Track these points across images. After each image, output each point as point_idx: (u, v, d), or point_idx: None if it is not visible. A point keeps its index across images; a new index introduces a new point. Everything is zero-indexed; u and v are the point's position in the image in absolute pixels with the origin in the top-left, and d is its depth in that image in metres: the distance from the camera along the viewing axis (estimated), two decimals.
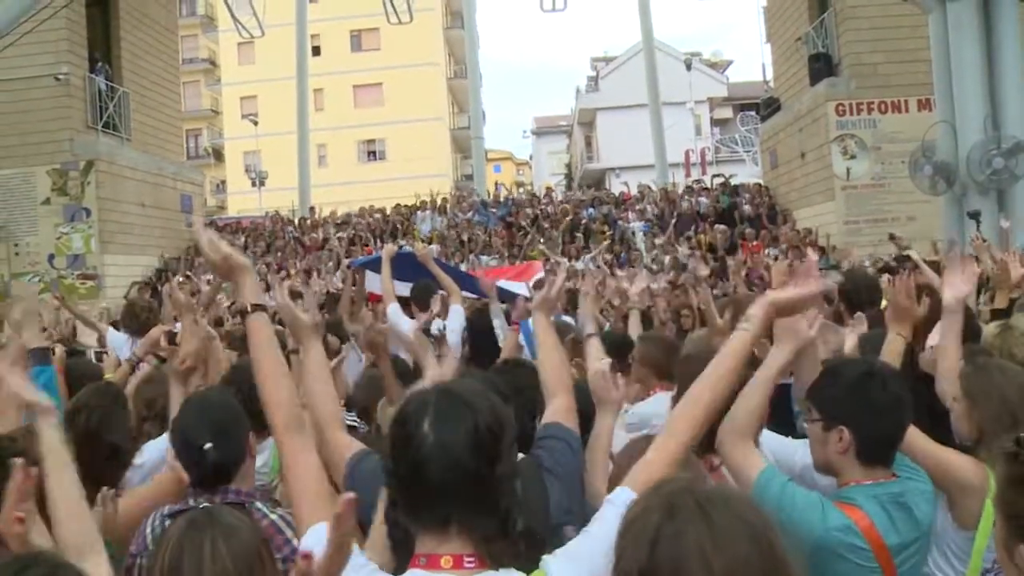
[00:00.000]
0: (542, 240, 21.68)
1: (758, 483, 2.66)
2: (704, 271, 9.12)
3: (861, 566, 2.56)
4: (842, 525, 2.57)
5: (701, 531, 1.50)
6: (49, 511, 2.44)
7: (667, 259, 19.07)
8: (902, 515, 2.63)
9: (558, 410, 2.73)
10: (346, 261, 15.40)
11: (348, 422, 4.65)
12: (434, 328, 6.58)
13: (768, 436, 3.33)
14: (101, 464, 3.46)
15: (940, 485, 2.93)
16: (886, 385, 2.74)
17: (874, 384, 2.73)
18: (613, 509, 2.08)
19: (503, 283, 8.12)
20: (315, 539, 1.98)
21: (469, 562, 1.88)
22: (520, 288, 8.20)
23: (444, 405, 1.93)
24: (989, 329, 5.12)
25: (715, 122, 51.46)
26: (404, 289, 7.92)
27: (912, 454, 2.93)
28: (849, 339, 4.21)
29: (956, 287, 3.61)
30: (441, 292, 7.13)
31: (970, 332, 4.69)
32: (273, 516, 2.91)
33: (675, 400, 3.53)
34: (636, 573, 1.54)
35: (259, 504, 2.98)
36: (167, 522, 2.71)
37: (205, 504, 2.58)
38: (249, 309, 2.44)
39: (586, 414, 3.16)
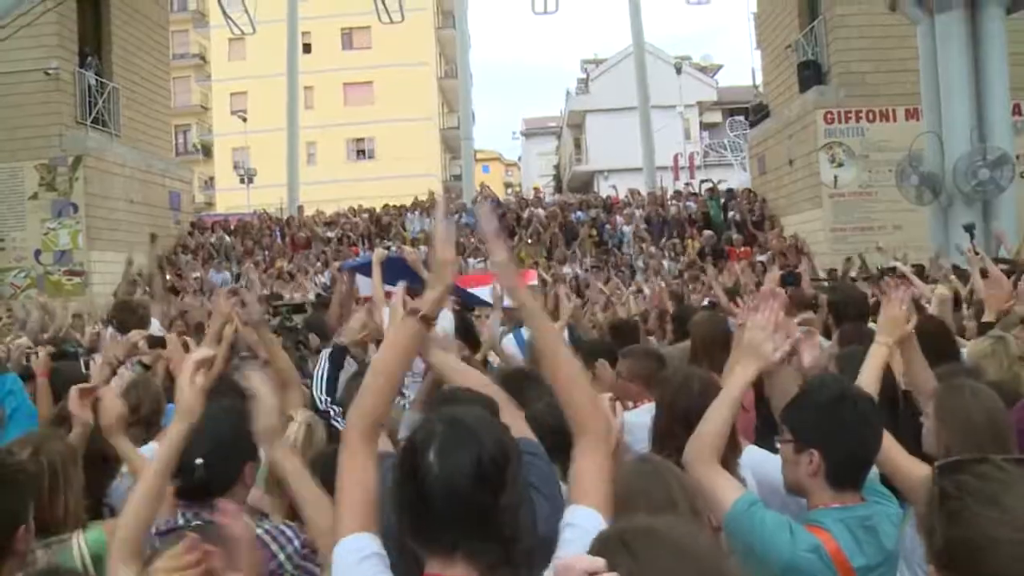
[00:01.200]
0: (530, 242, 21.71)
1: (733, 509, 2.70)
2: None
3: None
4: (811, 546, 2.60)
5: (625, 571, 1.48)
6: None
7: (652, 263, 19.17)
8: (869, 538, 2.66)
9: (513, 424, 2.58)
10: (335, 264, 15.37)
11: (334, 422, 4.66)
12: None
13: (752, 451, 3.36)
14: (89, 473, 3.46)
15: (910, 499, 2.96)
16: (858, 409, 2.77)
17: (846, 408, 2.75)
18: (573, 532, 2.09)
19: (476, 290, 8.07)
20: (345, 550, 2.08)
21: None
22: (485, 294, 8.11)
23: (450, 435, 1.97)
24: (978, 344, 5.16)
25: (704, 126, 51.51)
26: (392, 291, 7.86)
27: (885, 466, 2.97)
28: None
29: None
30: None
31: (948, 349, 4.76)
32: (259, 531, 2.90)
33: (656, 417, 3.60)
34: None
35: (246, 519, 2.98)
36: (157, 541, 2.72)
37: (198, 523, 2.58)
38: (420, 315, 2.45)
39: (560, 429, 3.14)
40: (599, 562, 1.40)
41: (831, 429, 2.72)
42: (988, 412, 3.24)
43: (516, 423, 2.65)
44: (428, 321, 2.48)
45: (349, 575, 2.07)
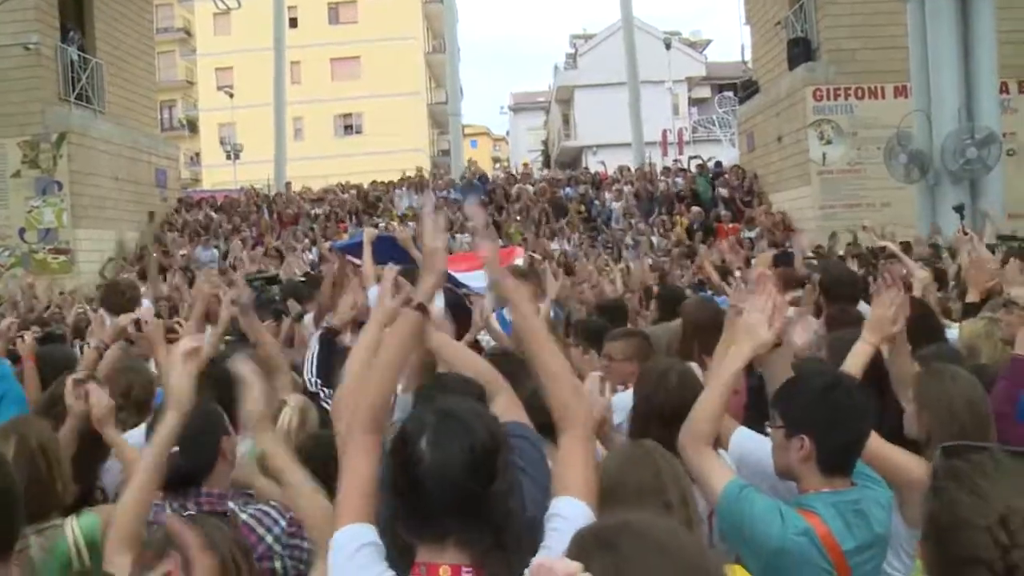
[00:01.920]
0: (518, 218, 21.69)
1: (724, 493, 2.76)
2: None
3: (818, 570, 2.64)
4: (801, 530, 2.64)
5: (608, 564, 1.52)
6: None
7: (642, 240, 19.19)
8: (859, 522, 2.70)
9: (508, 408, 2.69)
10: (326, 244, 15.30)
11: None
12: None
13: (744, 434, 3.37)
14: (79, 456, 3.48)
15: (890, 483, 2.99)
16: (851, 397, 2.80)
17: (838, 395, 2.79)
18: (562, 523, 2.13)
19: (465, 275, 8.05)
20: (342, 541, 2.13)
21: (467, 572, 1.99)
22: (477, 280, 8.11)
23: (442, 426, 2.02)
24: (972, 325, 5.19)
25: (693, 102, 51.46)
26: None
27: (865, 452, 2.98)
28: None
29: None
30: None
31: (931, 330, 4.80)
32: (244, 515, 2.94)
33: (634, 409, 3.61)
34: None
35: (232, 504, 3.00)
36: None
37: (189, 513, 2.62)
38: (415, 305, 2.50)
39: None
40: (574, 566, 1.42)
41: (823, 416, 2.75)
42: (968, 397, 3.31)
43: (513, 407, 2.72)
44: (425, 311, 2.52)
45: (345, 564, 2.11)
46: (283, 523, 2.92)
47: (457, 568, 1.99)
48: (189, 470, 2.90)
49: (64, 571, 3.09)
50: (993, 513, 1.66)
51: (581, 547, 1.60)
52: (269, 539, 2.87)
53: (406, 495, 2.01)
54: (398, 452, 2.05)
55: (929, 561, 1.81)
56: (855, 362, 3.50)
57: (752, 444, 3.30)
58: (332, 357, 5.78)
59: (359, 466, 2.26)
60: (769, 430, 2.97)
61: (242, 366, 2.82)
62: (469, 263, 8.62)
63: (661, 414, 3.36)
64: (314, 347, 5.63)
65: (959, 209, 13.94)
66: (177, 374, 2.74)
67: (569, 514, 2.15)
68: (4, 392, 4.45)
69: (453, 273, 8.78)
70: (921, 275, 6.82)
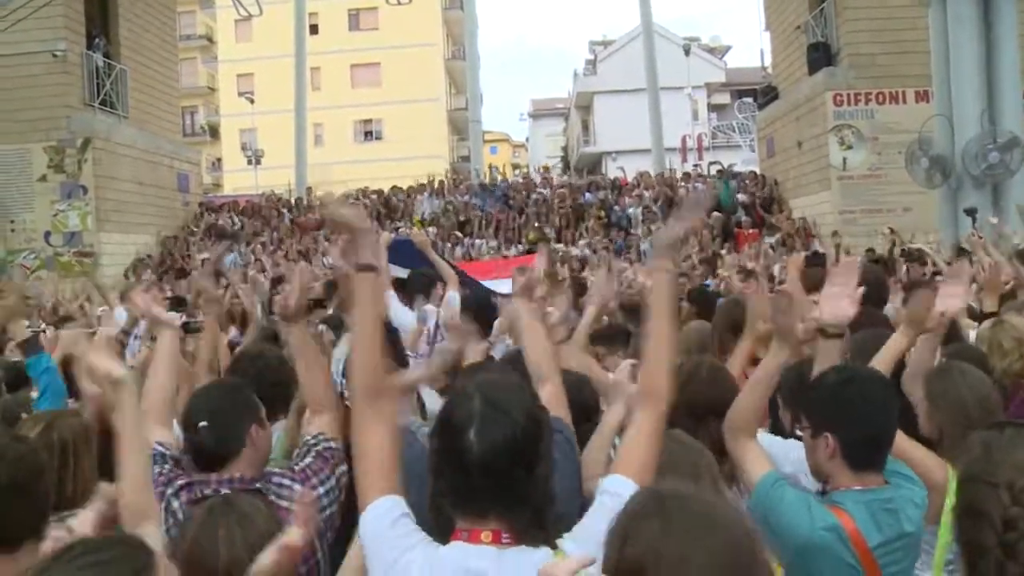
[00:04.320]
0: (538, 224, 21.73)
1: (759, 485, 2.80)
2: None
3: (844, 565, 2.65)
4: (829, 525, 2.65)
5: (655, 529, 1.63)
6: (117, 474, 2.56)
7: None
8: (889, 519, 2.70)
9: (549, 400, 2.72)
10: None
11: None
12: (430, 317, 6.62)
13: (760, 436, 3.34)
14: (109, 446, 3.55)
15: None
16: (865, 390, 2.81)
17: (853, 390, 2.80)
18: (610, 499, 2.19)
19: (489, 283, 8.09)
20: (375, 514, 2.18)
21: (506, 538, 2.08)
22: (503, 287, 8.19)
23: (488, 414, 2.09)
24: (984, 326, 5.18)
25: (712, 108, 51.31)
26: (399, 272, 7.88)
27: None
28: None
29: (950, 303, 3.64)
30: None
31: (951, 331, 4.78)
32: (270, 496, 2.94)
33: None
34: (613, 567, 1.67)
35: (258, 485, 2.97)
36: (181, 495, 2.84)
37: (226, 491, 2.65)
38: (360, 266, 2.47)
39: (583, 405, 3.27)
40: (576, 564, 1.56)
41: (841, 412, 2.77)
42: (978, 392, 3.36)
43: (556, 398, 2.84)
44: (372, 269, 2.48)
45: (383, 537, 2.16)
46: (297, 486, 2.94)
47: (498, 532, 2.08)
48: (216, 447, 2.93)
49: None
50: (1003, 475, 1.90)
51: (631, 509, 1.71)
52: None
53: (452, 480, 2.10)
54: (445, 440, 2.12)
55: (954, 510, 2.06)
56: (887, 355, 3.49)
57: (768, 444, 3.30)
58: None
59: (373, 438, 2.28)
60: (799, 432, 3.00)
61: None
62: (497, 271, 8.65)
63: (691, 407, 3.36)
64: (343, 346, 5.61)
65: (971, 212, 13.87)
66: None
67: (619, 492, 2.18)
68: (46, 385, 4.53)
69: (481, 280, 8.83)
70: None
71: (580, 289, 8.36)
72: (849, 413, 2.76)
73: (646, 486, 2.15)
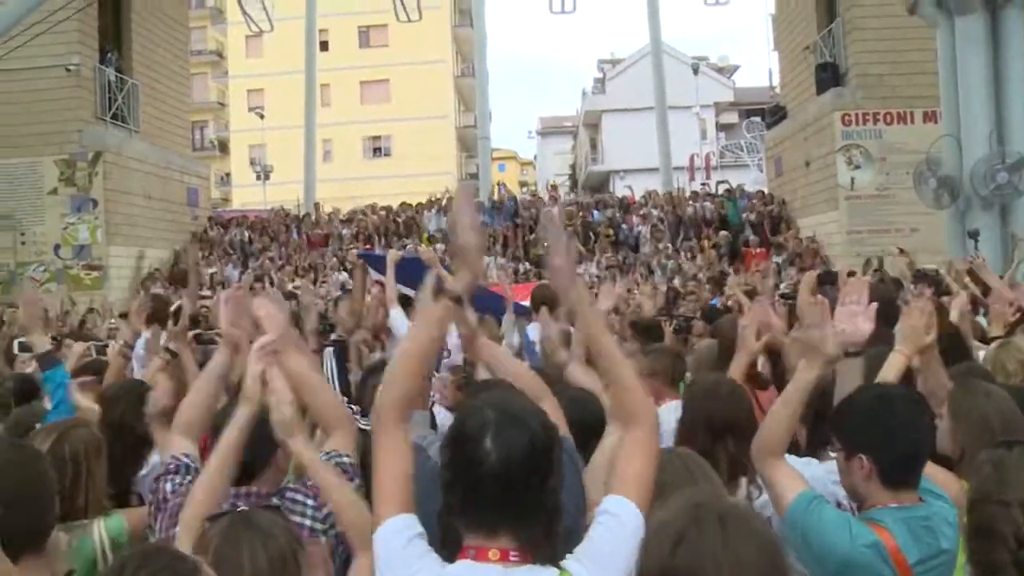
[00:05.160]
0: (546, 243, 21.67)
1: (794, 504, 2.77)
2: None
3: None
4: (870, 542, 2.64)
5: (717, 539, 1.68)
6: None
7: (670, 264, 19.17)
8: (928, 537, 2.69)
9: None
10: (354, 251, 15.37)
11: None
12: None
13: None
14: (127, 452, 3.75)
15: None
16: (896, 409, 2.80)
17: (884, 410, 2.79)
18: (611, 519, 2.19)
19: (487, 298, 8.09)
20: (390, 533, 2.18)
21: (514, 556, 2.07)
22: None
23: (503, 424, 2.09)
24: (991, 347, 5.19)
25: (720, 127, 51.36)
26: (407, 291, 7.88)
27: None
28: None
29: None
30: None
31: (959, 351, 4.78)
32: (308, 522, 2.97)
33: (682, 417, 3.66)
34: (658, 570, 1.71)
35: (289, 499, 3.00)
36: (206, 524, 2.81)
37: (243, 508, 2.65)
38: (450, 294, 2.50)
39: (585, 423, 3.25)
40: None
41: (874, 432, 2.77)
42: (1002, 412, 3.32)
43: (553, 416, 2.66)
44: (459, 301, 2.51)
45: (399, 554, 2.16)
46: (310, 501, 2.97)
47: (506, 551, 2.07)
48: (249, 463, 2.94)
49: (90, 571, 3.16)
50: (1014, 494, 1.91)
51: (676, 518, 1.76)
52: (308, 522, 2.92)
53: (465, 491, 2.08)
54: (459, 450, 2.11)
55: (966, 530, 2.05)
56: (890, 372, 3.49)
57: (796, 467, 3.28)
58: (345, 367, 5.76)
59: (394, 458, 2.29)
60: (832, 454, 3.00)
61: (271, 373, 2.85)
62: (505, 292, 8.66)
63: (710, 424, 3.43)
64: (330, 363, 5.60)
65: (974, 235, 13.81)
66: (249, 371, 2.82)
67: (618, 512, 2.20)
68: (60, 400, 4.56)
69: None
70: (959, 301, 6.77)
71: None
72: (884, 434, 2.76)
73: (643, 519, 2.17)
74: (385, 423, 2.35)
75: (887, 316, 5.69)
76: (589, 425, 3.20)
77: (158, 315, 7.37)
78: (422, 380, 2.48)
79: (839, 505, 3.05)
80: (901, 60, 19.66)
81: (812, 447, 3.60)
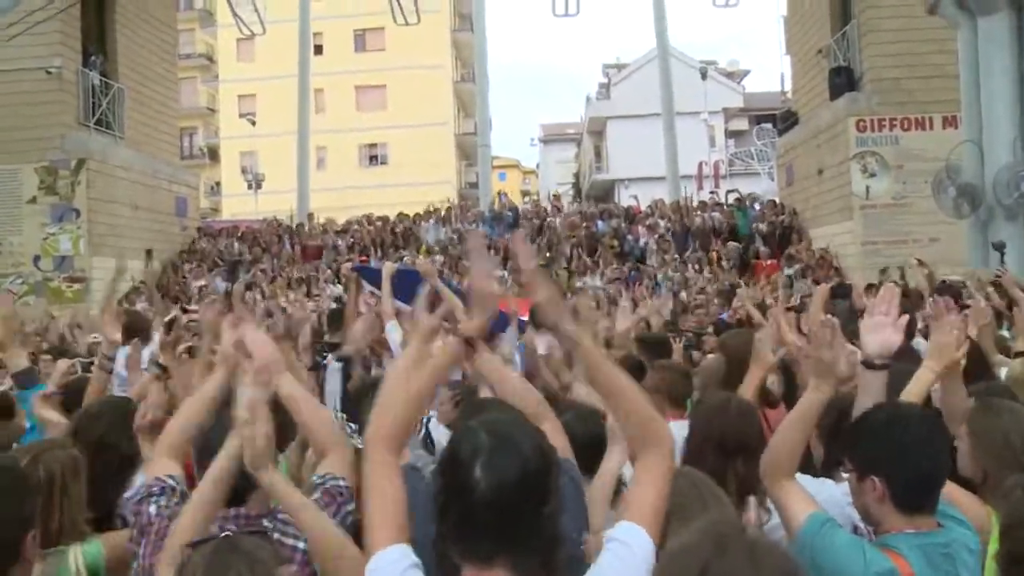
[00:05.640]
0: (549, 253, 21.64)
1: (805, 527, 2.75)
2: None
3: None
4: (884, 570, 2.58)
5: (746, 571, 1.64)
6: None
7: (677, 276, 19.07)
8: (947, 566, 2.63)
9: (551, 436, 2.59)
10: (347, 264, 15.27)
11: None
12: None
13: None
14: (108, 475, 3.59)
15: None
16: (910, 428, 2.76)
17: (898, 429, 2.76)
18: (620, 547, 2.18)
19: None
20: (383, 563, 2.18)
21: None
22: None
23: (496, 448, 2.07)
24: (1014, 363, 5.10)
25: (730, 134, 51.42)
26: (403, 306, 7.82)
27: None
28: None
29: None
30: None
31: (981, 368, 4.70)
32: (276, 535, 2.95)
33: (689, 437, 3.66)
34: None
35: (265, 522, 3.00)
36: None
37: (227, 533, 2.63)
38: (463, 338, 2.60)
39: (590, 441, 3.29)
40: None
41: (886, 453, 2.73)
42: None
43: (556, 435, 2.80)
44: (472, 346, 2.61)
45: None
46: None
47: None
48: (240, 483, 2.91)
49: None
50: None
51: (701, 546, 1.71)
52: (301, 544, 2.91)
53: (458, 517, 2.06)
54: (451, 476, 2.10)
55: (998, 558, 2.05)
56: (916, 389, 3.48)
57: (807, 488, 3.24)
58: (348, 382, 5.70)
59: (386, 486, 2.30)
60: (844, 475, 2.99)
61: (251, 402, 2.83)
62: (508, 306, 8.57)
63: (720, 443, 3.44)
64: (335, 379, 5.54)
65: (1000, 247, 13.71)
66: (240, 400, 2.81)
67: (629, 540, 2.19)
68: (36, 421, 4.53)
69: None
70: (977, 310, 6.67)
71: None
72: (897, 454, 2.73)
73: (653, 547, 2.17)
74: (377, 452, 2.35)
75: (906, 330, 5.66)
76: (594, 443, 3.26)
77: (135, 329, 7.30)
78: (418, 416, 2.58)
79: (856, 529, 3.03)
80: (919, 63, 19.56)
81: (829, 467, 3.58)
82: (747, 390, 4.39)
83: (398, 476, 2.33)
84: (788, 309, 8.76)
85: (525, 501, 2.04)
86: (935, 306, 3.97)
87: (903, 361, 4.29)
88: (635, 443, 2.46)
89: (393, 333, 6.88)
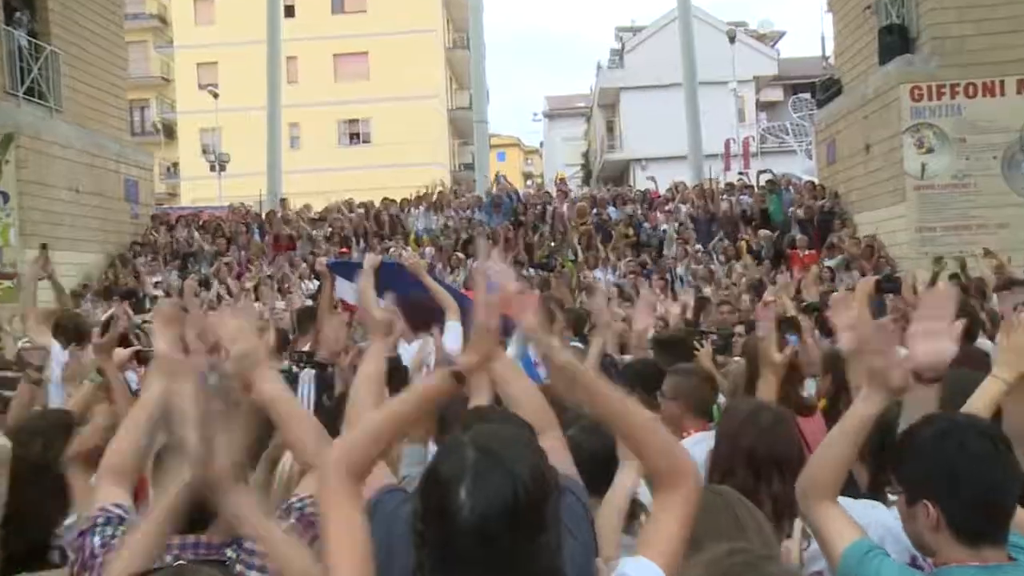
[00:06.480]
0: (554, 243, 21.52)
1: (847, 555, 2.77)
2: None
3: None
4: None
5: None
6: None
7: (700, 268, 18.89)
8: None
9: (553, 451, 2.67)
10: (322, 259, 15.07)
11: None
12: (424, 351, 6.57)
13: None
14: (47, 499, 3.65)
15: None
16: (969, 444, 2.69)
17: (950, 445, 2.70)
18: None
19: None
20: None
21: None
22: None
23: (483, 469, 2.06)
24: None
25: (762, 106, 51.63)
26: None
27: None
28: None
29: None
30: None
31: None
32: (239, 565, 2.95)
33: (716, 450, 3.75)
34: None
35: (228, 552, 2.96)
36: None
37: (180, 563, 2.69)
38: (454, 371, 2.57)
39: (599, 456, 3.41)
40: None
41: (938, 474, 2.70)
42: None
43: (559, 449, 2.86)
44: (462, 380, 2.57)
45: None
46: None
47: None
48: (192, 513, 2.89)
49: None
50: None
51: (733, 564, 1.79)
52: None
53: (438, 545, 2.06)
54: (431, 498, 2.09)
55: None
56: (982, 401, 3.42)
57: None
58: (324, 394, 5.67)
59: (351, 516, 2.30)
60: (892, 498, 2.97)
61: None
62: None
63: (750, 456, 3.52)
64: (306, 388, 5.52)
65: None
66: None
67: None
68: None
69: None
70: None
71: (579, 321, 8.63)
72: (950, 475, 2.68)
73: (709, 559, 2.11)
74: (342, 475, 2.35)
75: (968, 331, 5.55)
76: (604, 458, 3.36)
77: (74, 333, 7.16)
78: (392, 441, 2.58)
79: (913, 560, 2.95)
80: (987, 17, 19.28)
81: (875, 488, 3.60)
82: (764, 395, 4.55)
83: (359, 506, 2.35)
84: (803, 309, 8.62)
85: (515, 530, 2.02)
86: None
87: (967, 365, 4.11)
88: (655, 479, 2.47)
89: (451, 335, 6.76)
